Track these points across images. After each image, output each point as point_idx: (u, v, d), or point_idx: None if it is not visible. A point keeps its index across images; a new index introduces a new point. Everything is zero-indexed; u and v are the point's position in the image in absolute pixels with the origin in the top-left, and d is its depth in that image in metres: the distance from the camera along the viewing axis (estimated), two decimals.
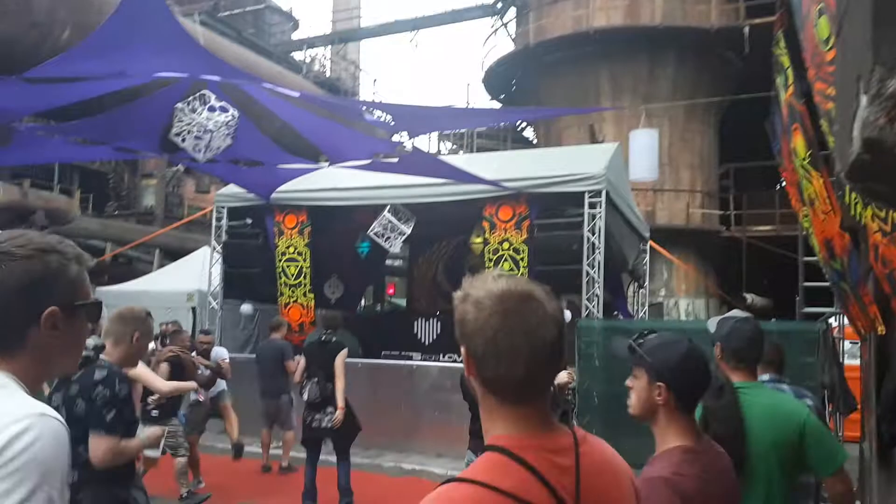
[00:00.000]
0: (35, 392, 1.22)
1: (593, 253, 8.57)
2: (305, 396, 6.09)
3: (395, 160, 8.08)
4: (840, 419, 6.58)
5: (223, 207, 10.67)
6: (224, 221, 10.62)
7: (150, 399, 5.71)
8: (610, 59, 18.93)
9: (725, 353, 2.59)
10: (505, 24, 23.99)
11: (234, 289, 10.66)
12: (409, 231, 9.55)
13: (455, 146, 26.47)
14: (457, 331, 1.23)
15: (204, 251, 12.43)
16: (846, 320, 5.50)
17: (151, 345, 6.37)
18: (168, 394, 5.22)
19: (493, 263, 9.03)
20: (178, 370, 6.10)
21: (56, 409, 2.52)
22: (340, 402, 6.04)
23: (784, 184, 4.83)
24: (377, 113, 7.65)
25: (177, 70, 5.61)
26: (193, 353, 6.93)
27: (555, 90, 20.13)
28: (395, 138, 8.33)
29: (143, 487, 2.96)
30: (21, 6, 13.42)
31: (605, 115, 19.05)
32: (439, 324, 11.93)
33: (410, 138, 7.35)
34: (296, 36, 32.28)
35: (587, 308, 8.43)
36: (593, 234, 8.58)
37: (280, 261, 10.30)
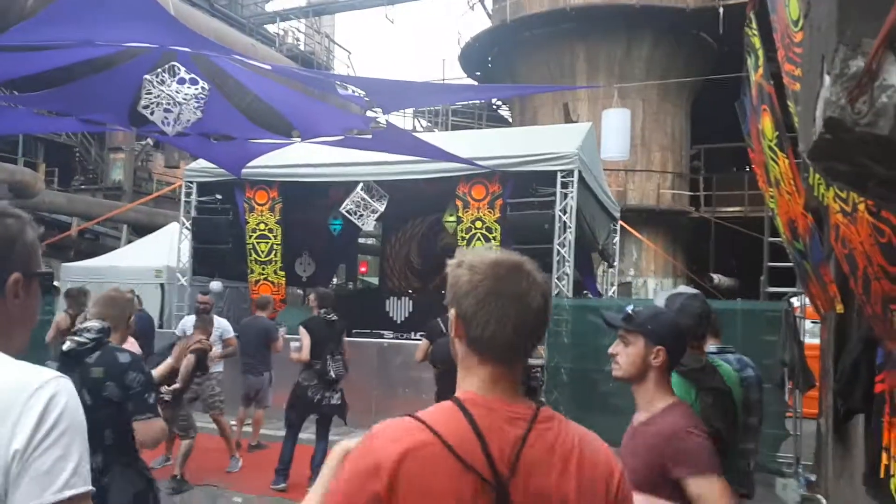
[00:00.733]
0: None
1: (564, 232, 8.64)
2: (333, 374, 6.18)
3: (369, 136, 8.00)
4: (799, 396, 6.78)
5: (192, 182, 10.52)
6: (193, 197, 10.47)
7: (163, 388, 5.71)
8: (586, 37, 18.94)
9: None
10: (482, 0, 23.81)
11: (203, 265, 10.54)
12: (382, 209, 9.52)
13: (430, 124, 26.33)
14: (448, 294, 1.27)
15: (173, 227, 12.26)
16: (807, 300, 5.64)
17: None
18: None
19: (465, 242, 9.06)
20: (203, 363, 6.11)
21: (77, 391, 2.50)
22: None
23: (752, 165, 4.90)
24: (351, 87, 7.56)
25: (146, 40, 5.48)
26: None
27: (531, 68, 20.09)
28: (370, 114, 8.25)
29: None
30: None
31: (579, 94, 19.09)
32: (411, 302, 11.97)
33: (385, 114, 7.28)
34: (269, 8, 31.66)
35: (557, 286, 8.52)
36: (565, 214, 8.65)
37: (250, 237, 10.21)
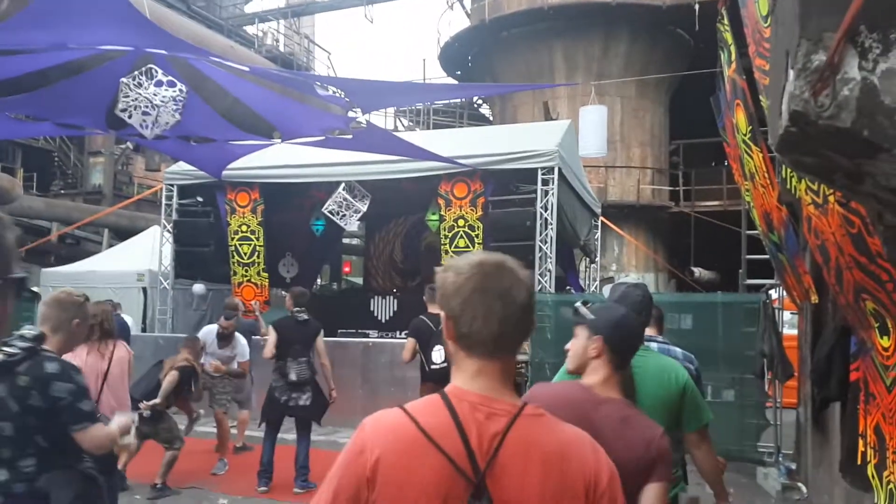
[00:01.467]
0: None
1: (546, 229, 8.69)
2: (293, 377, 6.04)
3: (350, 136, 8.00)
4: (779, 386, 6.88)
5: (173, 185, 10.45)
6: (174, 200, 10.40)
7: (142, 404, 5.69)
8: (564, 36, 19.04)
9: None
10: (461, 0, 23.83)
11: (185, 268, 10.49)
12: (364, 209, 9.52)
13: (411, 123, 26.32)
14: (437, 296, 1.32)
15: (154, 230, 12.16)
16: (784, 292, 5.74)
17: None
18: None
19: (448, 240, 9.09)
20: (186, 380, 6.06)
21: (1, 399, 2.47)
22: (332, 384, 6.23)
23: (729, 160, 4.97)
24: (331, 88, 7.55)
25: (121, 43, 5.44)
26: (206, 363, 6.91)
27: (510, 66, 20.16)
28: (350, 114, 8.25)
29: (116, 469, 2.90)
30: None
31: (559, 92, 19.19)
32: (396, 301, 11.97)
33: (364, 114, 7.27)
34: (248, 9, 31.46)
35: (539, 283, 8.57)
36: (546, 211, 8.70)
37: (232, 239, 10.16)
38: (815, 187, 2.52)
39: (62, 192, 23.33)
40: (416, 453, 1.18)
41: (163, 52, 5.64)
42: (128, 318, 8.96)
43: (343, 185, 9.35)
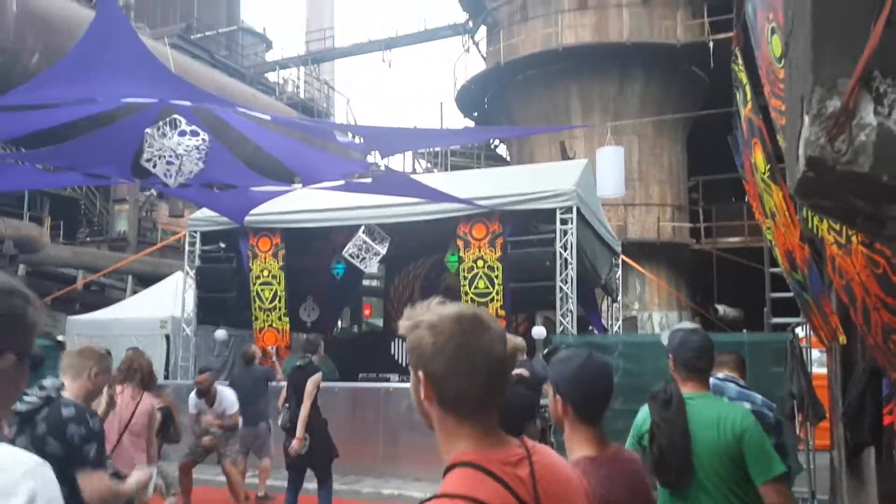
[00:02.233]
0: None
1: (566, 268, 8.65)
2: (279, 422, 6.07)
3: (369, 180, 8.10)
4: (810, 428, 6.68)
5: (196, 232, 10.59)
6: (197, 246, 10.54)
7: None
8: (579, 76, 19.23)
9: (677, 363, 2.66)
10: (476, 43, 24.25)
11: (208, 314, 10.56)
12: (384, 251, 9.56)
13: (429, 165, 26.59)
14: (411, 357, 1.29)
15: (177, 277, 12.29)
16: (811, 330, 5.61)
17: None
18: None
19: (468, 281, 9.07)
20: (170, 420, 6.06)
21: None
22: (300, 431, 5.85)
23: (748, 197, 4.94)
24: (350, 134, 7.67)
25: (147, 95, 5.60)
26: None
27: (526, 107, 20.36)
28: (370, 159, 8.37)
29: None
30: None
31: (575, 131, 19.30)
32: None
33: (382, 158, 7.37)
34: (269, 57, 32.32)
35: (561, 323, 8.49)
36: (565, 250, 8.66)
37: (254, 285, 10.23)
38: (837, 227, 2.48)
39: (88, 239, 23.76)
40: None
41: (187, 103, 5.78)
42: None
43: (363, 228, 9.42)
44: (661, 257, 18.96)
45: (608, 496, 1.83)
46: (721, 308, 17.67)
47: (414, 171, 24.61)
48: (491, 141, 25.92)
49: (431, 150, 25.11)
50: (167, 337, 11.72)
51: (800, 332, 6.87)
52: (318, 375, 6.07)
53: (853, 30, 1.32)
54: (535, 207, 8.85)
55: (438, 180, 9.86)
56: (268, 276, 10.21)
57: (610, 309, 12.53)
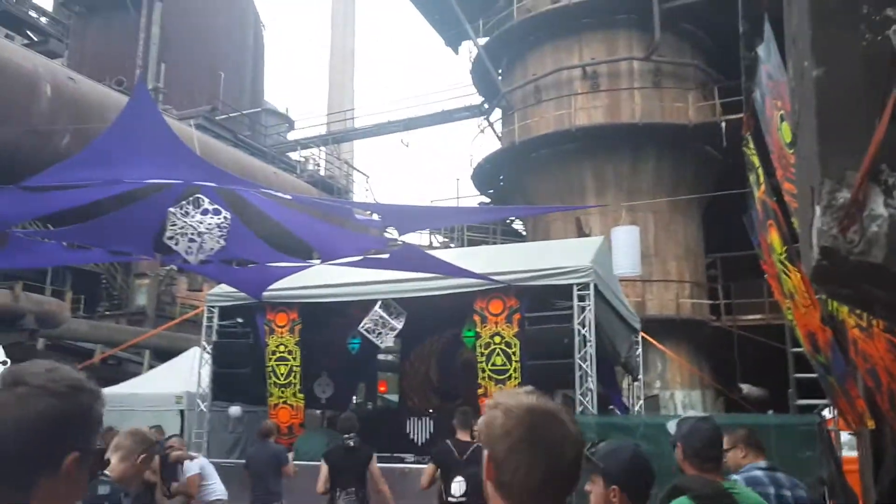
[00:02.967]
0: None
1: (585, 346, 8.54)
2: None
3: (386, 256, 8.18)
4: None
5: (214, 307, 10.66)
6: (215, 321, 10.58)
7: None
8: (593, 155, 19.57)
9: (687, 453, 2.59)
10: (491, 125, 24.88)
11: (223, 390, 10.49)
12: (400, 326, 9.53)
13: (446, 240, 26.82)
14: (482, 434, 1.30)
15: (194, 351, 12.30)
16: (838, 414, 5.46)
17: None
18: None
19: (485, 358, 8.98)
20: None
21: None
22: None
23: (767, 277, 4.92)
24: (368, 211, 7.81)
25: (172, 176, 5.77)
26: None
27: (541, 185, 20.66)
28: (387, 235, 8.48)
29: None
30: (21, 113, 13.89)
31: (591, 209, 19.48)
32: (432, 422, 11.69)
33: (400, 235, 7.47)
34: (291, 136, 33.30)
35: (581, 403, 8.32)
36: (584, 327, 8.58)
37: (270, 360, 10.19)
38: (857, 311, 2.46)
39: (107, 313, 23.97)
40: None
41: (211, 184, 5.94)
42: None
43: (379, 302, 9.43)
44: (681, 335, 18.70)
45: None
46: (745, 387, 17.24)
47: (430, 246, 24.82)
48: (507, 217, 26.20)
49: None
50: (182, 412, 11.63)
51: (827, 413, 6.68)
52: (375, 457, 6.04)
53: (858, 124, 1.35)
54: (553, 283, 8.84)
55: (455, 255, 9.92)
56: (283, 350, 10.18)
57: (631, 388, 12.29)
